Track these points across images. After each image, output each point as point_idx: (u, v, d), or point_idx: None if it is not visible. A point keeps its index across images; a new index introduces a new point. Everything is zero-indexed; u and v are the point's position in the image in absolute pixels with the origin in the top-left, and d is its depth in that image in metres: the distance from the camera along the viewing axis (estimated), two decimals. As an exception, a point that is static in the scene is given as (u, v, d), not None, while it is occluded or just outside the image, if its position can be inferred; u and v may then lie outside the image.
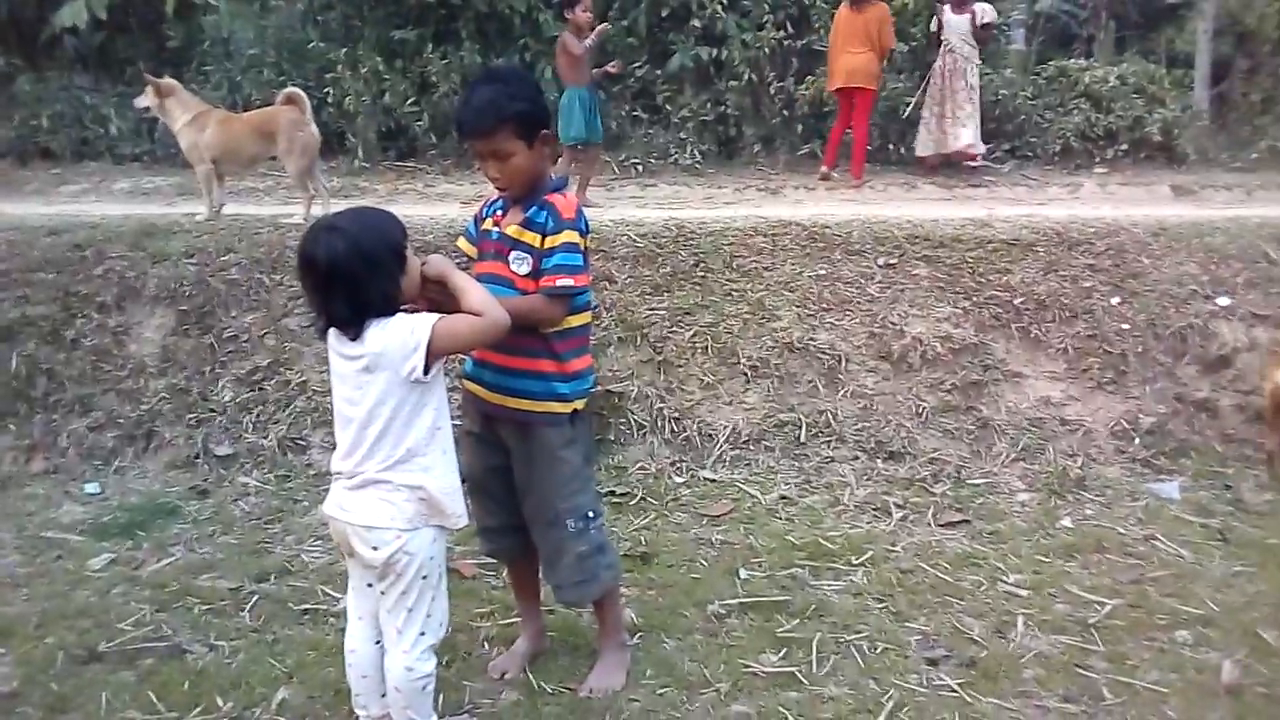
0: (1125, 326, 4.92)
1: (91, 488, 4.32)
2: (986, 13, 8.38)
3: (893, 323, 4.89)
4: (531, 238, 2.55)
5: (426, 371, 2.23)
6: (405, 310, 2.31)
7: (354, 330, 2.24)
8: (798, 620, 3.19)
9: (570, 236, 2.54)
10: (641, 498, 4.15)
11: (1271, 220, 5.89)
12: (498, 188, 2.62)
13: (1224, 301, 5.03)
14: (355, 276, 2.18)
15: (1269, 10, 11.82)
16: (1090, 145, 9.74)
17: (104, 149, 9.55)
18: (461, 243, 2.81)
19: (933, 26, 8.64)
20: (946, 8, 8.50)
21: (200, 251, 5.23)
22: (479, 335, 2.34)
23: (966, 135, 8.54)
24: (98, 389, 4.71)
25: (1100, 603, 3.32)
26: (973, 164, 8.76)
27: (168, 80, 6.18)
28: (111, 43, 10.05)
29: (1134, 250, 5.37)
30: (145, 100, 6.14)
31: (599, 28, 7.19)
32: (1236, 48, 12.81)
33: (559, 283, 2.52)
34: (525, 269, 2.55)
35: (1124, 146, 9.72)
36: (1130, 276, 5.19)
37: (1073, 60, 11.08)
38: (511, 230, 2.59)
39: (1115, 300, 5.04)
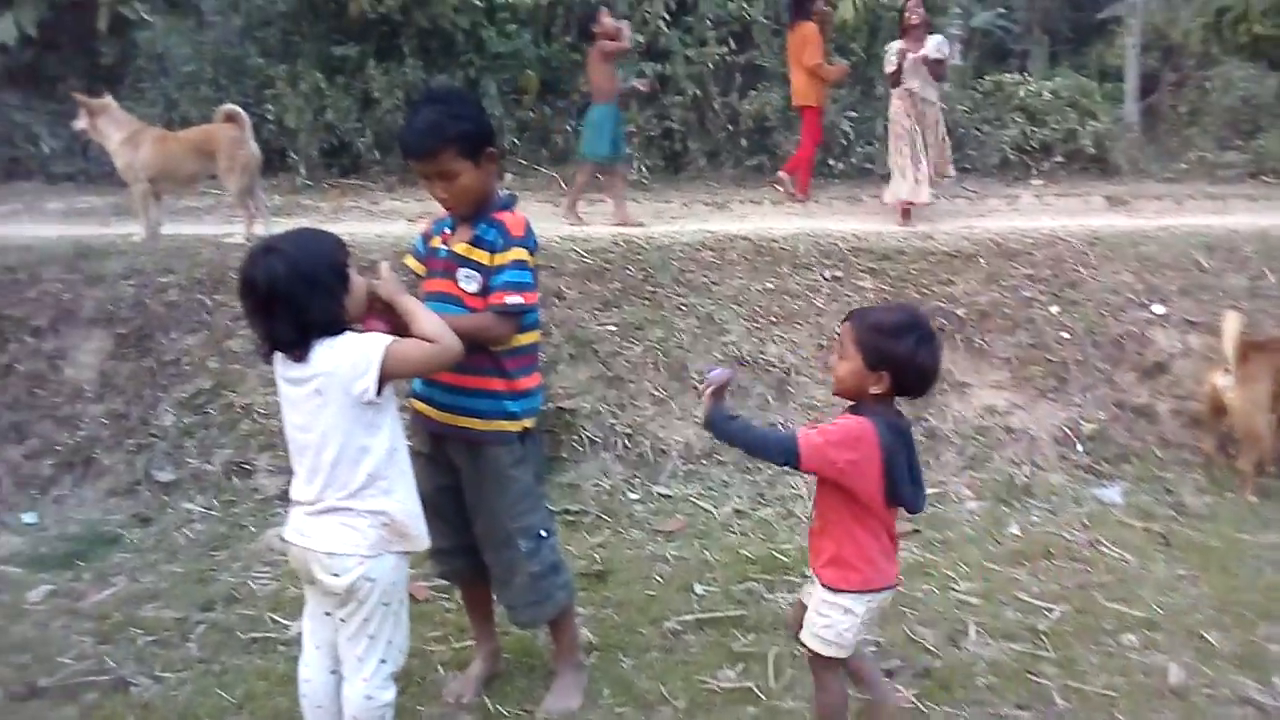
0: (1065, 335, 5.04)
1: (29, 517, 4.19)
2: (938, 47, 7.08)
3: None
4: (480, 255, 2.54)
5: (379, 393, 2.20)
6: (354, 330, 2.27)
7: (300, 352, 2.20)
8: (754, 635, 3.20)
9: (519, 254, 2.53)
10: (595, 515, 4.14)
11: (1202, 229, 6.09)
12: (445, 207, 2.60)
13: (1159, 309, 5.18)
14: (296, 297, 2.15)
15: (1193, 25, 12.24)
16: (1027, 157, 9.98)
17: (36, 168, 9.31)
18: (409, 260, 2.78)
19: (887, 65, 7.20)
20: (898, 44, 7.16)
21: (138, 273, 5.11)
22: (431, 361, 2.32)
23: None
24: (33, 415, 4.57)
25: (1048, 608, 3.38)
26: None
27: (100, 99, 6.03)
28: (42, 60, 9.79)
29: (1071, 260, 5.51)
30: (80, 122, 5.98)
31: (624, 24, 7.27)
32: (1163, 61, 13.24)
33: (508, 300, 2.51)
34: (473, 287, 2.54)
35: (1059, 158, 9.98)
36: (1069, 286, 5.32)
37: (1008, 75, 11.36)
38: (460, 248, 2.57)
39: (1055, 309, 5.16)
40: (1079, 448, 4.65)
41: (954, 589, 3.53)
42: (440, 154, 2.48)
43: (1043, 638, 3.19)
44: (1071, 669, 3.01)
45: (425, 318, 2.30)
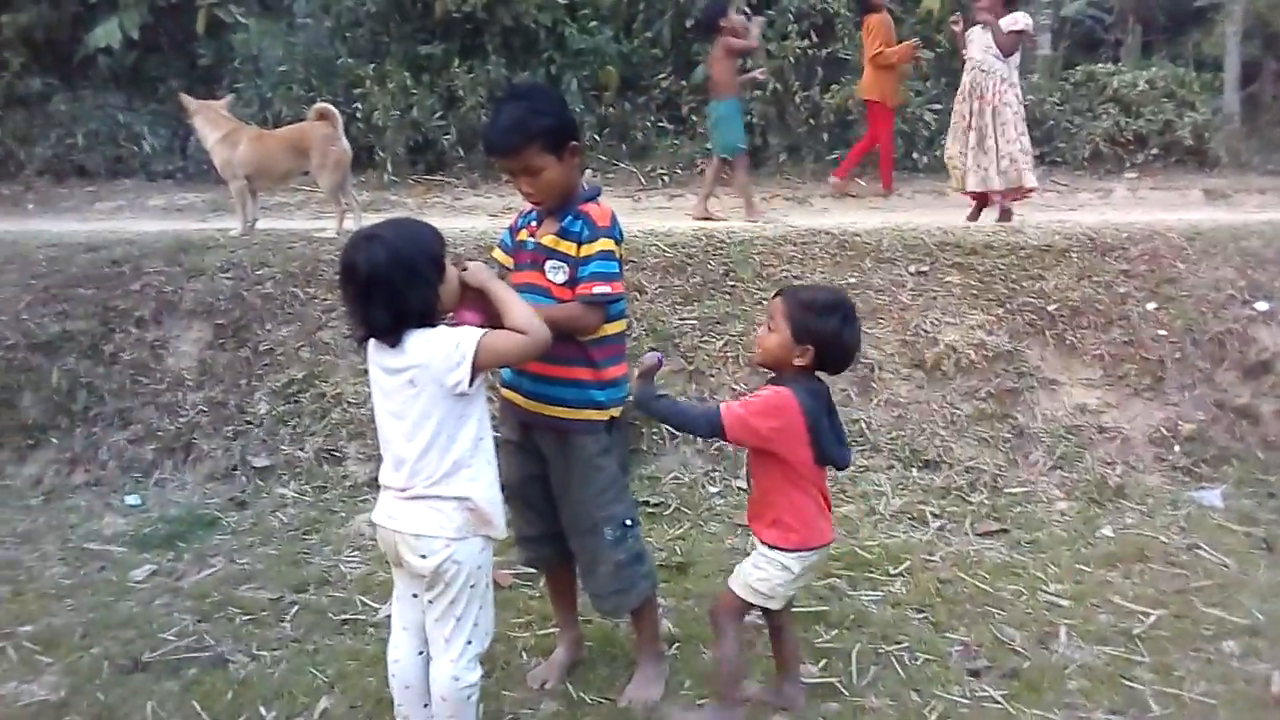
0: (1162, 332, 4.87)
1: (132, 500, 4.37)
2: (1015, 19, 6.61)
3: (925, 330, 4.86)
4: (567, 246, 2.58)
5: (471, 384, 2.25)
6: (447, 323, 2.32)
7: (393, 339, 2.25)
8: (836, 630, 3.18)
9: (605, 244, 2.57)
10: (676, 508, 4.15)
11: (1309, 223, 5.83)
12: (531, 202, 2.65)
13: (1263, 306, 4.97)
14: (394, 284, 2.21)
15: (1300, 12, 11.71)
16: (1120, 150, 9.69)
17: (138, 166, 9.71)
18: (497, 253, 2.84)
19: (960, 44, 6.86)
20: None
21: (235, 266, 5.29)
22: (522, 352, 2.36)
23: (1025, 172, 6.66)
24: (137, 402, 4.77)
25: (1144, 613, 3.28)
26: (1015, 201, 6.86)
27: (203, 100, 6.27)
28: (144, 62, 10.22)
29: (1169, 255, 5.32)
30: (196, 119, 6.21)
31: (755, 22, 7.36)
32: (1265, 50, 12.69)
33: (595, 290, 2.54)
34: (561, 278, 2.58)
35: (1154, 151, 9.67)
36: (1166, 282, 5.14)
37: (1100, 65, 11.03)
38: (547, 240, 2.61)
39: (1151, 306, 4.99)
40: (1176, 449, 4.49)
41: (1043, 591, 3.44)
42: (524, 150, 2.52)
43: (1137, 642, 3.09)
44: (1167, 675, 2.92)
45: (517, 307, 2.34)
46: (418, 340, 2.25)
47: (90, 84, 10.12)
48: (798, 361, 2.51)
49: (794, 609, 3.26)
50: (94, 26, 9.81)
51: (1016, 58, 6.69)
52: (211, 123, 6.13)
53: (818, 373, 2.58)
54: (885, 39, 7.97)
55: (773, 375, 2.60)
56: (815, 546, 2.57)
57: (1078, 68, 10.92)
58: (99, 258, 5.43)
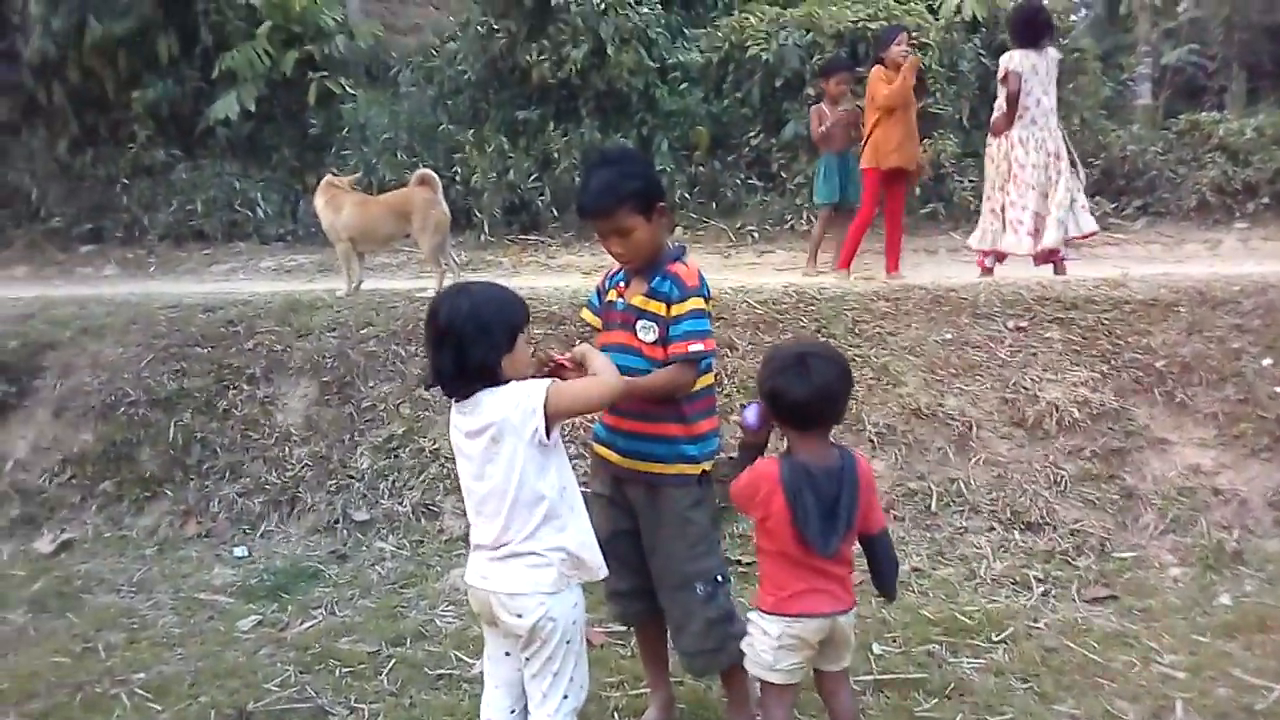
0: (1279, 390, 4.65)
1: (240, 551, 4.53)
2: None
3: (1025, 387, 4.74)
4: (657, 306, 2.63)
5: (549, 434, 2.29)
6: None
7: (456, 392, 2.34)
8: (936, 699, 3.08)
9: (696, 303, 2.61)
10: (768, 567, 4.10)
11: None
12: (621, 262, 2.71)
13: (1390, 362, 4.71)
14: (465, 337, 2.29)
15: None
16: (1228, 200, 9.36)
17: (251, 230, 10.20)
18: (586, 314, 2.92)
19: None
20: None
21: (341, 325, 5.50)
22: (590, 396, 2.43)
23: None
24: (247, 456, 4.97)
25: (1267, 687, 3.09)
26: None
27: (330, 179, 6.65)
28: (259, 132, 10.79)
29: (1286, 309, 5.09)
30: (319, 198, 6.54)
31: (845, 111, 7.26)
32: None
33: (690, 348, 2.58)
34: (651, 337, 2.63)
35: (1265, 200, 9.31)
36: (1283, 337, 4.91)
37: (1204, 113, 10.72)
38: (637, 300, 2.66)
39: (1268, 362, 4.77)
40: (1298, 512, 4.25)
41: (1157, 662, 3.28)
42: (615, 212, 2.59)
43: (1259, 719, 2.92)
44: (1296, 756, 2.75)
45: (599, 360, 2.45)
46: (491, 398, 2.32)
47: (209, 154, 10.74)
48: (779, 424, 2.51)
49: (890, 675, 3.21)
50: (214, 100, 10.43)
51: (1021, 104, 6.33)
52: (322, 191, 6.45)
53: (836, 445, 2.49)
54: (877, 96, 6.76)
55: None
56: (793, 613, 2.44)
57: (1180, 116, 10.63)
58: (215, 318, 5.70)
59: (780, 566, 2.46)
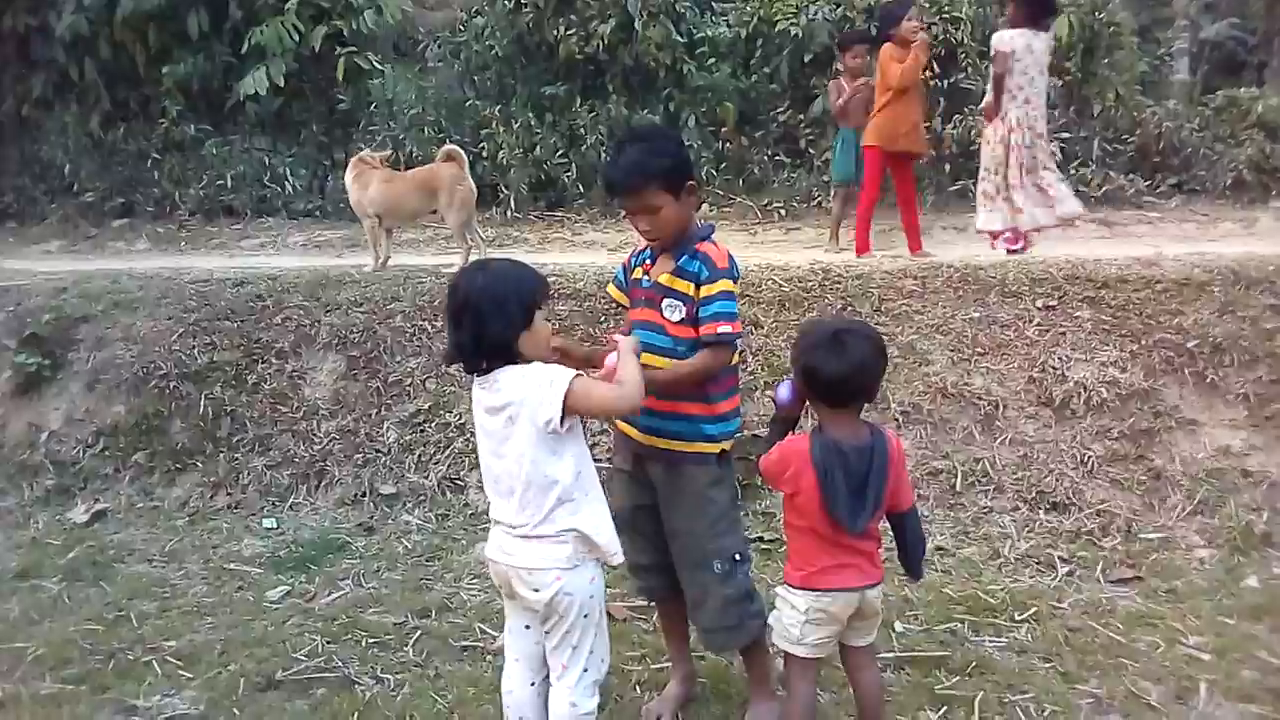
0: (1314, 371, 4.58)
1: (269, 523, 4.60)
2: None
3: (1053, 367, 4.70)
4: (684, 285, 2.62)
5: (563, 424, 2.29)
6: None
7: (474, 367, 2.36)
8: (958, 678, 3.08)
9: (725, 285, 2.61)
10: (791, 544, 4.10)
11: None
12: (648, 239, 2.71)
13: None
14: (481, 312, 2.31)
15: None
16: (1266, 178, 9.16)
17: (280, 205, 10.23)
18: (612, 290, 2.93)
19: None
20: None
21: (368, 300, 5.54)
22: (610, 405, 2.44)
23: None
24: (276, 430, 5.03)
25: (1294, 670, 3.07)
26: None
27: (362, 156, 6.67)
28: (288, 107, 10.80)
29: (1322, 289, 5.00)
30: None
31: (862, 83, 7.04)
32: None
33: (720, 330, 2.59)
34: (677, 315, 2.63)
35: (1304, 178, 9.11)
36: (1318, 317, 4.83)
37: (1242, 90, 10.49)
38: (664, 279, 2.66)
39: (1302, 342, 4.70)
40: (1330, 495, 4.20)
41: (1182, 643, 3.27)
42: (643, 190, 2.59)
43: (1287, 702, 2.91)
44: (1322, 739, 2.73)
45: (629, 366, 2.44)
46: (514, 376, 2.33)
47: (239, 129, 10.76)
48: (811, 401, 2.52)
49: (912, 653, 3.21)
50: (243, 76, 10.44)
51: (1015, 83, 6.16)
52: (352, 167, 6.48)
53: (870, 424, 2.51)
54: (885, 73, 6.56)
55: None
56: (821, 588, 2.46)
57: (1218, 92, 10.40)
58: (244, 292, 5.76)
59: (809, 542, 2.47)
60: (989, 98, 6.34)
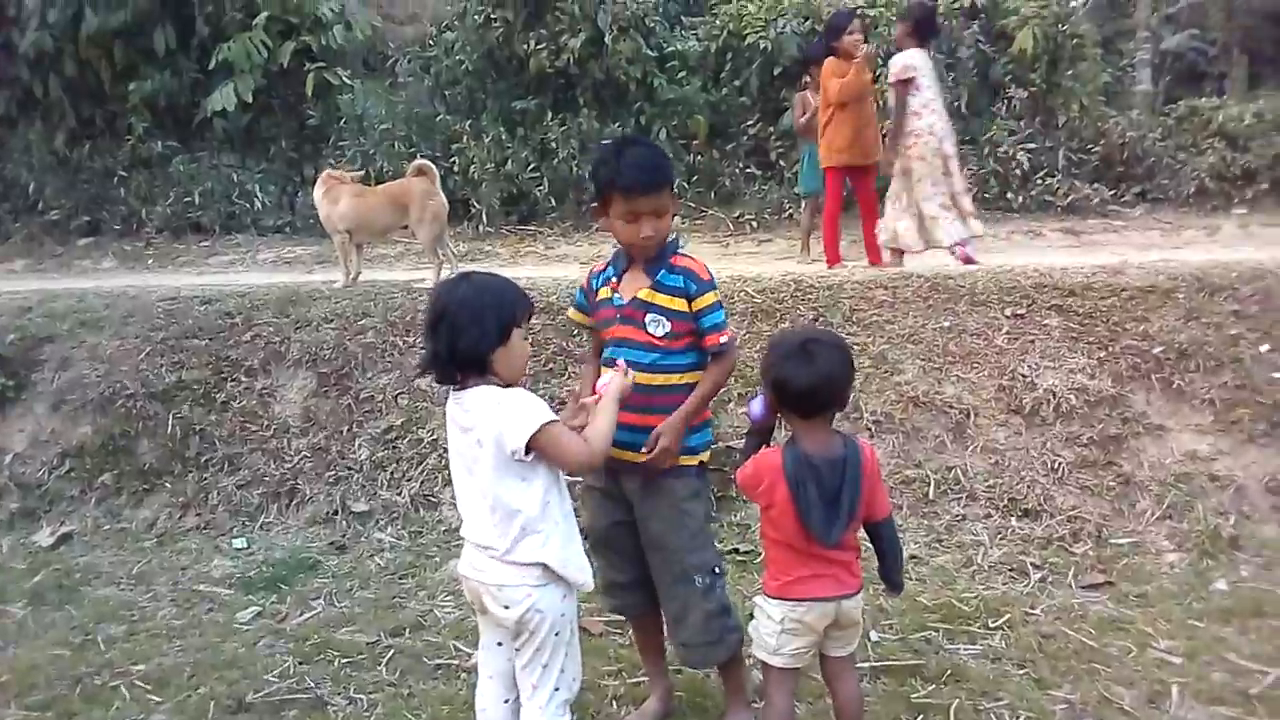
0: (1277, 375, 4.64)
1: (239, 543, 4.54)
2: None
3: (1023, 375, 4.74)
4: (666, 300, 2.63)
5: (528, 454, 2.28)
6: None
7: (444, 377, 2.35)
8: (933, 685, 3.09)
9: (715, 296, 2.66)
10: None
11: None
12: (642, 245, 2.63)
13: (1388, 347, 4.70)
14: (456, 323, 2.29)
15: None
16: (1227, 185, 9.36)
17: (249, 222, 10.19)
18: (573, 314, 2.88)
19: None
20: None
21: (339, 316, 5.49)
22: (574, 462, 2.39)
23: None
24: (245, 448, 4.97)
25: (1262, 671, 3.10)
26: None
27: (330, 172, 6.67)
28: (256, 123, 10.76)
29: (1284, 294, 5.08)
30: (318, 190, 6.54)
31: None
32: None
33: (722, 340, 2.64)
34: (662, 330, 2.62)
35: (1264, 185, 9.29)
36: (1280, 323, 4.91)
37: (1204, 99, 10.69)
38: (643, 294, 2.65)
39: (1265, 348, 4.77)
40: (1295, 498, 4.26)
41: (1153, 647, 3.29)
42: (662, 190, 2.61)
43: (1255, 703, 2.93)
44: (1291, 740, 2.76)
45: (603, 420, 2.43)
46: (486, 401, 2.30)
47: (206, 145, 10.71)
48: (782, 413, 2.51)
49: (888, 662, 3.22)
50: (211, 92, 10.39)
51: (926, 98, 6.32)
52: (321, 183, 6.45)
53: (842, 433, 2.53)
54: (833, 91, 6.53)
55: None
56: (796, 598, 2.45)
57: (1180, 102, 10.61)
58: (213, 310, 5.70)
59: (784, 553, 2.47)
60: (898, 116, 6.36)
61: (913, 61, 6.27)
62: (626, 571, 2.82)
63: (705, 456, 2.72)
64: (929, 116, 6.29)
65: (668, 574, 2.73)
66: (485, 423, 2.29)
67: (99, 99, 10.92)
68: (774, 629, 2.48)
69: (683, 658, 2.86)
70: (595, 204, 2.72)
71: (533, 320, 5.01)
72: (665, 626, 2.87)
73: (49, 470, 5.03)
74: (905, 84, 6.27)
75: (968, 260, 6.47)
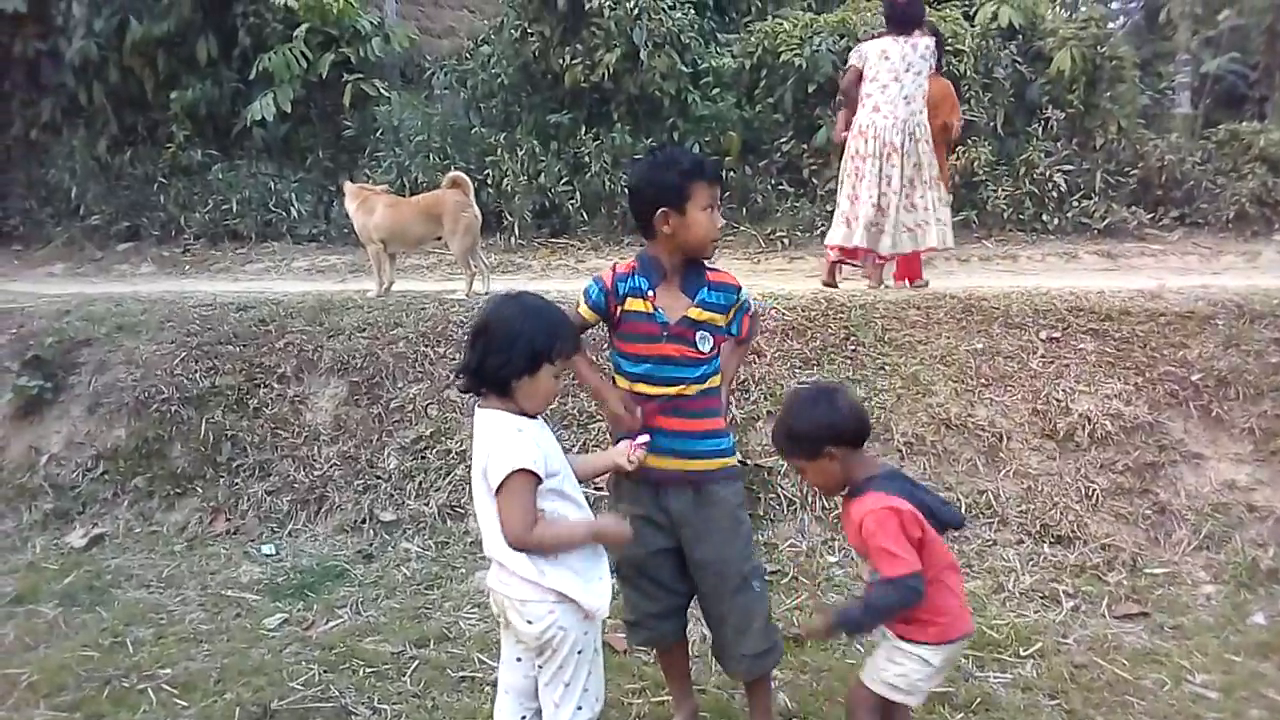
0: (1319, 406, 4.56)
1: (268, 549, 4.57)
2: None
3: (1057, 399, 4.68)
4: (710, 317, 2.68)
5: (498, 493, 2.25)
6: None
7: (468, 385, 2.36)
8: (962, 714, 3.05)
9: (744, 295, 2.77)
10: (793, 576, 4.08)
11: None
12: (711, 239, 2.68)
13: None
14: (491, 340, 2.30)
15: None
16: (1268, 211, 9.21)
17: (285, 230, 10.27)
18: (586, 312, 2.72)
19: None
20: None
21: (371, 326, 5.53)
22: (510, 530, 2.25)
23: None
24: (276, 455, 5.01)
25: (1303, 710, 3.03)
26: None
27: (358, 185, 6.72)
28: (294, 133, 10.87)
29: (1326, 323, 4.98)
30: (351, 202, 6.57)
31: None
32: None
33: (753, 323, 2.83)
34: (709, 345, 2.69)
35: (1307, 212, 9.14)
36: (1323, 352, 4.81)
37: (1244, 123, 10.55)
38: (693, 313, 2.66)
39: (1307, 377, 4.68)
40: (1337, 531, 4.16)
41: (1189, 681, 3.23)
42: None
43: (1296, 743, 2.87)
44: (1332, 781, 2.69)
45: (565, 535, 2.33)
46: (490, 425, 2.30)
47: (245, 154, 10.83)
48: (841, 471, 2.50)
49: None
50: (251, 101, 10.52)
51: (865, 91, 6.14)
52: (353, 194, 6.50)
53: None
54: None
55: (847, 492, 2.53)
56: (955, 638, 2.47)
57: (1220, 126, 10.46)
58: (247, 317, 5.75)
59: (941, 590, 2.43)
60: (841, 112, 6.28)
61: (862, 50, 6.19)
62: (661, 600, 2.79)
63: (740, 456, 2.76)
64: (866, 113, 6.12)
65: (727, 586, 2.68)
66: (480, 447, 2.31)
67: (141, 107, 11.09)
68: (928, 673, 2.47)
69: (741, 670, 2.78)
70: (663, 210, 2.59)
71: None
72: (722, 646, 2.78)
73: (83, 472, 5.09)
74: (852, 75, 6.18)
75: (832, 270, 6.33)
